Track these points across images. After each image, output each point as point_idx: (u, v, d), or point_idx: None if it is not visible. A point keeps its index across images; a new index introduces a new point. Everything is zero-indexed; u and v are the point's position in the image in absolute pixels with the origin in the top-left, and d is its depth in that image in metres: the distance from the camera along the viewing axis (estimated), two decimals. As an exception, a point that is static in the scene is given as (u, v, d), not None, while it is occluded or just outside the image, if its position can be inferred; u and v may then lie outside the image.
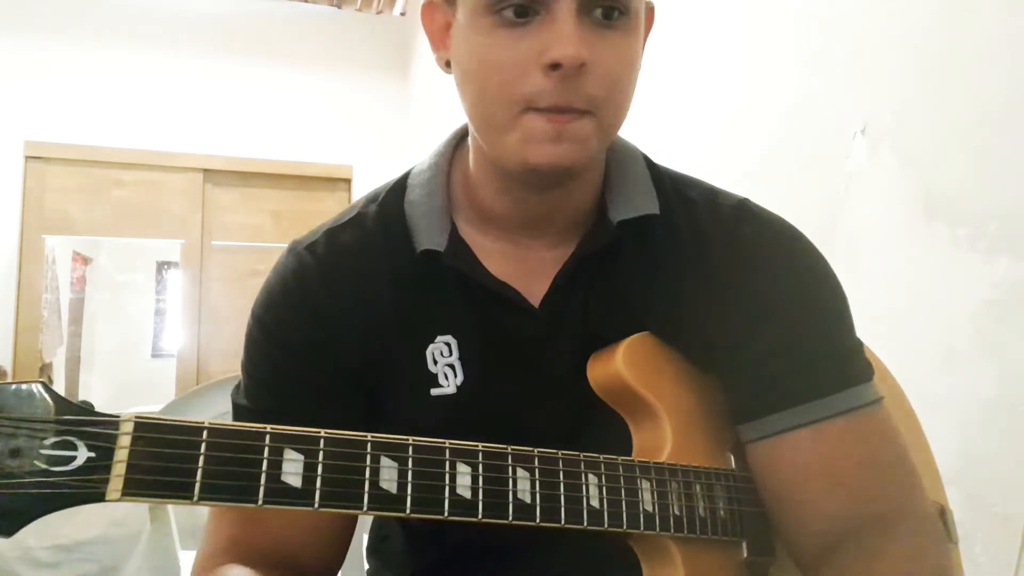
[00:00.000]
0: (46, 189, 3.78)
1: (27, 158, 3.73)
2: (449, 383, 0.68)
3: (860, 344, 0.70)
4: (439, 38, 0.67)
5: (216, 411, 1.16)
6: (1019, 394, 0.93)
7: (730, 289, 0.68)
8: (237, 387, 0.72)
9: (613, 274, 0.70)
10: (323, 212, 3.06)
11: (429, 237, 0.68)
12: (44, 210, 3.77)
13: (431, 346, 0.69)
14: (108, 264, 4.83)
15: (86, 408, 0.47)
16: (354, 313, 0.68)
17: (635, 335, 0.69)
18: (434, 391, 0.68)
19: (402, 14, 4.36)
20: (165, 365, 4.25)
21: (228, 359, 3.89)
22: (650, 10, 0.68)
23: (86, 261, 4.69)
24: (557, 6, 0.58)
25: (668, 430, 0.67)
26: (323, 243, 0.71)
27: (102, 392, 4.56)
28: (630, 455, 0.68)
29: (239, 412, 0.70)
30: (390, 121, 4.26)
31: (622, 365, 0.67)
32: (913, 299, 1.10)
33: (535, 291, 0.69)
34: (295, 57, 4.17)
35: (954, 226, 1.04)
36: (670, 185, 0.73)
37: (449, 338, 0.69)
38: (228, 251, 4.06)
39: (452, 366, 0.69)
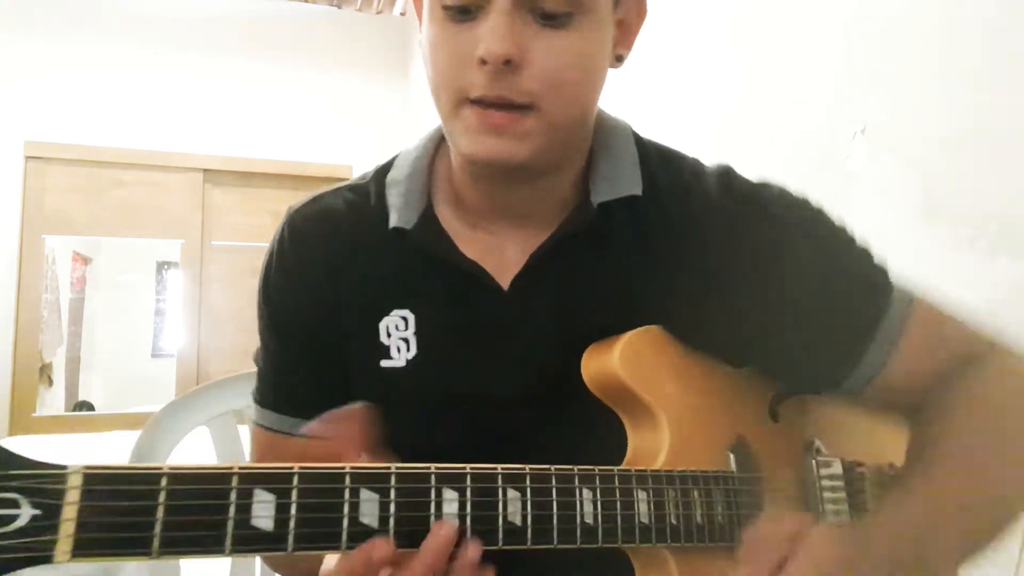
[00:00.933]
0: (46, 189, 3.78)
1: (27, 158, 3.73)
2: (400, 356, 0.69)
3: (873, 257, 0.71)
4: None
5: (216, 411, 1.15)
6: (1019, 394, 0.93)
7: (736, 267, 0.68)
8: (257, 351, 0.76)
9: (596, 258, 0.69)
10: (323, 212, 3.04)
11: (400, 215, 0.70)
12: (44, 210, 3.77)
13: (385, 319, 0.69)
14: (108, 264, 4.84)
15: (29, 460, 0.43)
16: (319, 284, 0.71)
17: (637, 329, 0.67)
18: (384, 363, 0.69)
19: (402, 14, 4.36)
20: (165, 365, 4.25)
21: (228, 359, 3.88)
22: (641, 5, 0.68)
23: (86, 261, 4.69)
24: (493, 2, 0.58)
25: (666, 432, 0.65)
26: (304, 213, 0.74)
27: (102, 392, 4.57)
28: (601, 445, 0.66)
29: (259, 375, 0.75)
30: (390, 121, 4.25)
31: (619, 363, 0.65)
32: (913, 299, 1.10)
33: (508, 274, 0.69)
34: (295, 57, 4.17)
35: (954, 226, 1.04)
36: (658, 163, 0.73)
37: (407, 312, 0.69)
38: (228, 251, 4.06)
39: (406, 340, 0.69)
